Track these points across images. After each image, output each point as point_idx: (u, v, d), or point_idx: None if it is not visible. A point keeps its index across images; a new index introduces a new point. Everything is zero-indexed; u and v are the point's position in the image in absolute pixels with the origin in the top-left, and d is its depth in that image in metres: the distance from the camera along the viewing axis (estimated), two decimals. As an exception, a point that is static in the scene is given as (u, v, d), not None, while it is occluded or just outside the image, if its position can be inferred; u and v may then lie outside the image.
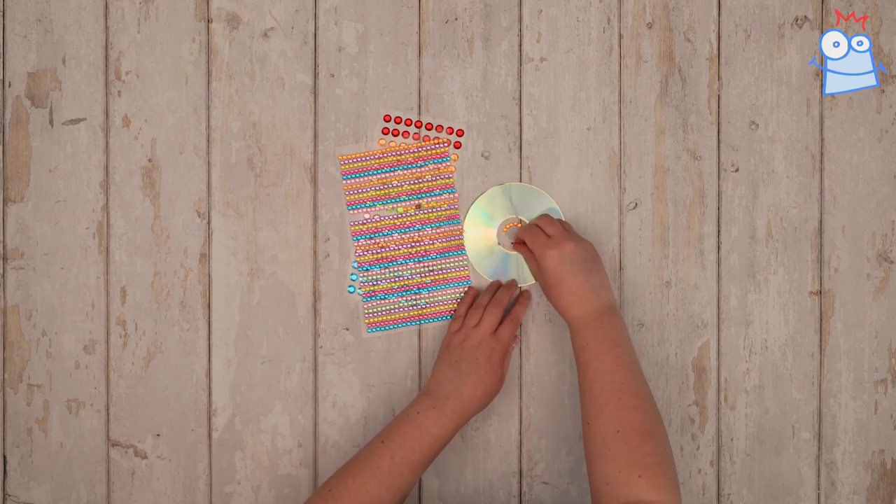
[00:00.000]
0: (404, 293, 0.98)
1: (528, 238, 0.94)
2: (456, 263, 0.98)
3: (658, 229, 0.99)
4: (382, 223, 0.98)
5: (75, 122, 0.97)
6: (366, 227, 0.98)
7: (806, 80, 1.00)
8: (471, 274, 0.98)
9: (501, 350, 0.92)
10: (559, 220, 0.96)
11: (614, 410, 0.84)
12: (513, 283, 0.97)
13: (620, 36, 0.99)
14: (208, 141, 0.98)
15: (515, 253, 0.98)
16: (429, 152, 0.98)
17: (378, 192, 0.98)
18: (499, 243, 0.98)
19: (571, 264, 0.90)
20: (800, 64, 1.00)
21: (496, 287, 0.97)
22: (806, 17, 1.00)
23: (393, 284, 0.98)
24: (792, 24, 1.00)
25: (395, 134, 0.98)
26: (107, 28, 0.98)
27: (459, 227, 0.99)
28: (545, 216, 0.96)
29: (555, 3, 0.99)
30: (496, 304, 0.94)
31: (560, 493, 0.98)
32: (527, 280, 0.98)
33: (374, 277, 0.98)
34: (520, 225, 0.98)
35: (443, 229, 0.98)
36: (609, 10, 0.99)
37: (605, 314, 0.89)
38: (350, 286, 0.98)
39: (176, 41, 0.98)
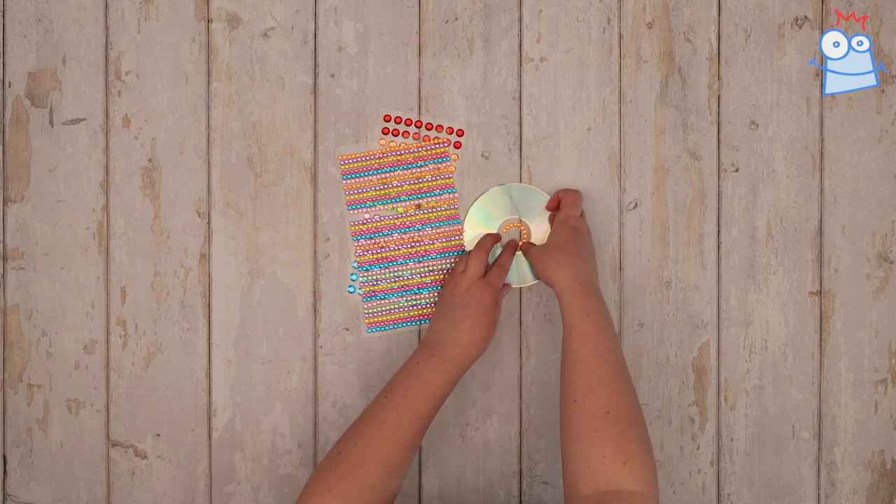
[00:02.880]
0: (404, 293, 0.98)
1: (572, 201, 0.95)
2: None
3: (658, 229, 0.99)
4: (382, 223, 0.98)
5: (75, 122, 0.97)
6: (366, 227, 0.98)
7: (806, 80, 1.00)
8: (471, 274, 0.98)
9: (491, 294, 0.91)
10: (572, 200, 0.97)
11: (608, 390, 0.82)
12: (496, 235, 0.97)
13: (620, 36, 0.99)
14: (208, 141, 0.98)
15: (517, 252, 0.98)
16: (429, 152, 0.98)
17: (378, 192, 0.98)
18: (499, 245, 0.98)
19: (586, 237, 0.93)
20: (800, 64, 1.00)
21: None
22: (806, 17, 1.00)
23: (393, 284, 0.98)
24: (792, 24, 1.00)
25: (395, 134, 0.98)
26: (107, 28, 0.98)
27: (459, 227, 0.99)
28: (579, 195, 0.97)
29: (555, 3, 0.99)
30: (479, 249, 0.94)
31: (560, 493, 0.98)
32: (526, 280, 0.98)
33: (374, 277, 0.98)
34: (520, 225, 0.98)
35: (443, 229, 0.98)
36: (609, 10, 0.99)
37: (599, 293, 0.89)
38: (350, 286, 0.98)
39: (176, 41, 0.98)
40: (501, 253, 0.96)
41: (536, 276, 0.96)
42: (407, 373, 0.88)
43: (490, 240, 0.96)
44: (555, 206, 0.97)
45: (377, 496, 0.83)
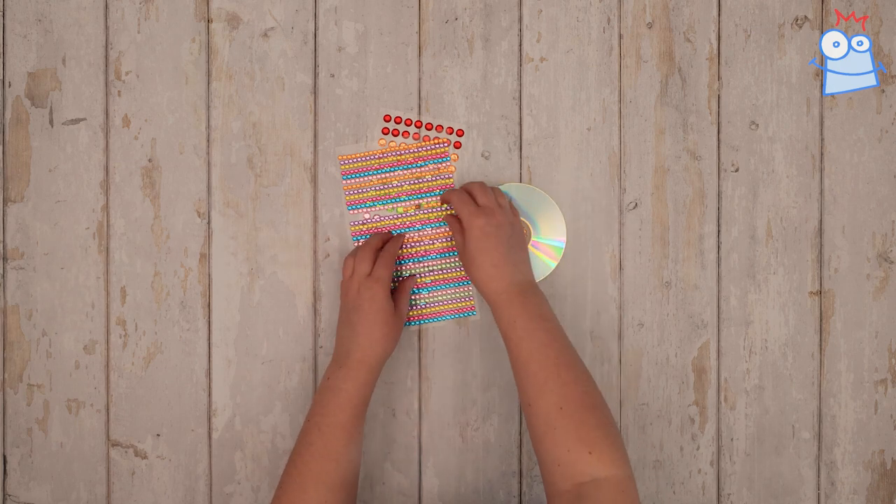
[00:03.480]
0: (404, 293, 0.98)
1: (456, 203, 0.92)
2: (456, 264, 0.98)
3: (658, 229, 0.99)
4: (382, 223, 0.98)
5: (75, 122, 0.97)
6: (366, 227, 0.98)
7: (806, 80, 1.00)
8: (471, 274, 0.98)
9: (382, 288, 0.90)
10: (494, 189, 0.94)
11: (554, 387, 0.82)
12: (386, 233, 0.97)
13: (620, 36, 0.99)
14: (208, 141, 0.98)
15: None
16: (429, 152, 0.98)
17: (378, 192, 0.98)
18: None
19: (496, 237, 0.89)
20: (800, 64, 1.00)
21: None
22: (806, 17, 1.00)
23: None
24: (792, 24, 1.00)
25: (395, 134, 0.98)
26: (107, 28, 0.98)
27: (459, 227, 0.99)
28: (480, 184, 0.94)
29: (555, 3, 0.99)
30: (363, 248, 0.93)
31: (560, 493, 0.98)
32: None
33: (374, 277, 0.98)
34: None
35: (443, 229, 0.98)
36: (609, 10, 0.99)
37: (527, 290, 0.88)
38: (350, 286, 0.98)
39: (176, 41, 0.98)
40: (387, 244, 0.95)
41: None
42: (321, 391, 0.89)
43: (377, 238, 0.95)
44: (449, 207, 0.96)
45: None
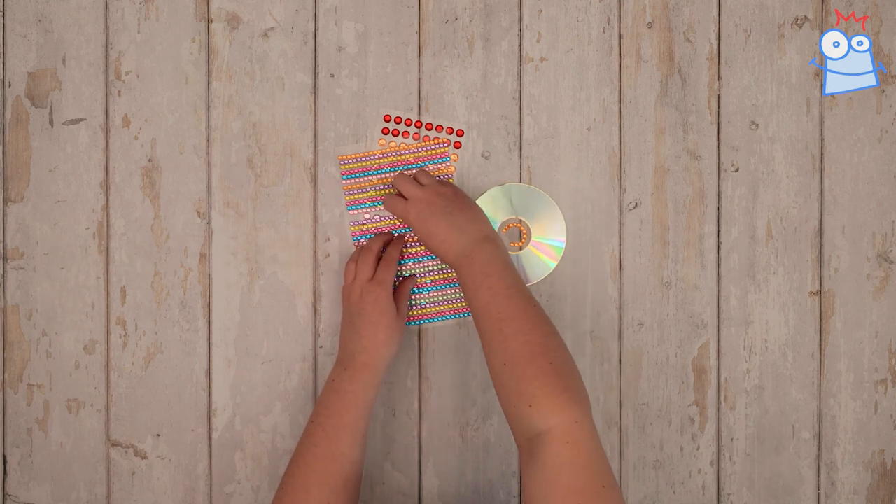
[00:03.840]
0: (404, 293, 0.98)
1: (399, 182, 0.93)
2: (456, 263, 0.98)
3: (658, 229, 0.99)
4: (382, 223, 0.98)
5: (75, 122, 0.97)
6: (366, 227, 0.98)
7: (806, 80, 1.00)
8: (471, 274, 0.98)
9: (384, 291, 0.91)
10: (424, 173, 0.95)
11: (497, 344, 0.80)
12: (387, 234, 0.97)
13: (620, 36, 0.99)
14: (208, 141, 0.98)
15: (517, 253, 0.98)
16: (429, 152, 0.98)
17: (378, 192, 0.98)
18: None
19: (431, 215, 0.89)
20: (800, 64, 1.00)
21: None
22: (806, 17, 1.00)
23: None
24: (792, 24, 1.00)
25: (395, 134, 0.98)
26: (107, 28, 0.98)
27: (459, 227, 0.98)
28: (421, 170, 0.95)
29: (555, 3, 0.99)
30: (364, 251, 0.94)
31: (560, 493, 0.98)
32: (533, 278, 0.98)
33: (374, 277, 0.98)
34: (520, 226, 0.98)
35: (443, 229, 0.98)
36: (609, 10, 0.99)
37: (474, 248, 0.87)
38: (350, 286, 0.98)
39: (176, 41, 0.98)
40: (388, 247, 0.96)
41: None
42: (326, 393, 0.89)
43: (378, 241, 0.95)
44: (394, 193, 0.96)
45: None
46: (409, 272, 0.98)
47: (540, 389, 0.76)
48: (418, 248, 0.98)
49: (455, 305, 0.98)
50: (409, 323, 0.98)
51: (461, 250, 0.87)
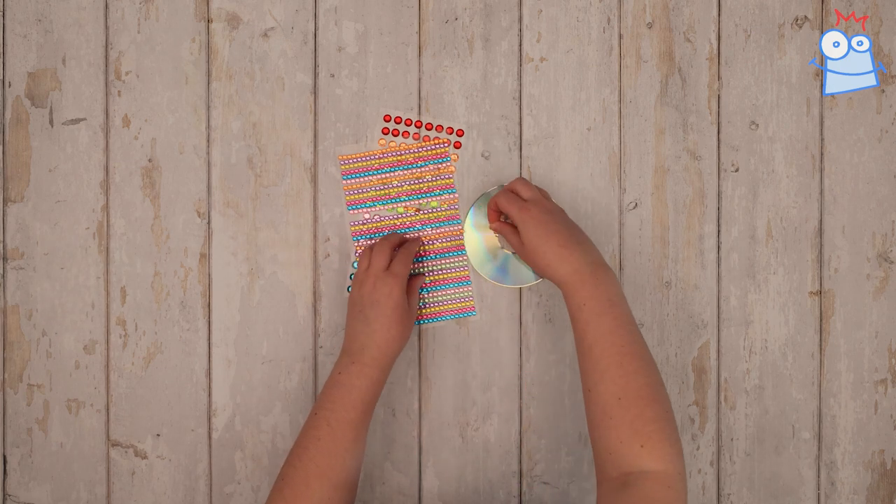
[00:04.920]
0: (404, 293, 0.98)
1: (504, 202, 0.91)
2: (456, 264, 0.98)
3: (658, 229, 0.99)
4: (382, 223, 0.98)
5: (75, 122, 0.97)
6: (366, 227, 0.98)
7: (806, 80, 1.00)
8: (471, 274, 0.98)
9: (399, 285, 0.89)
10: (535, 186, 0.95)
11: (615, 376, 0.81)
12: (402, 235, 0.97)
13: (620, 36, 0.99)
14: (208, 141, 0.98)
15: (508, 252, 0.98)
16: (429, 152, 0.98)
17: (378, 192, 0.98)
18: (500, 246, 0.98)
19: (553, 222, 0.88)
20: (800, 64, 1.00)
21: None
22: (806, 17, 1.00)
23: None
24: (792, 24, 1.00)
25: (396, 134, 0.98)
26: (107, 28, 0.98)
27: (459, 227, 0.99)
28: (520, 179, 0.94)
29: (555, 3, 0.99)
30: (382, 242, 0.93)
31: (560, 493, 0.98)
32: (527, 280, 0.98)
33: (374, 277, 0.98)
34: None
35: (442, 229, 0.98)
36: (609, 10, 0.99)
37: (598, 269, 0.86)
38: (350, 286, 0.98)
39: (176, 41, 0.98)
40: (405, 243, 0.95)
41: (538, 276, 0.96)
42: (332, 385, 0.88)
43: (396, 236, 0.95)
44: (496, 216, 0.95)
45: None
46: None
47: (657, 434, 0.79)
48: (422, 248, 0.98)
49: (455, 305, 0.98)
50: (409, 323, 0.98)
51: (584, 265, 0.86)
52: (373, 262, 0.91)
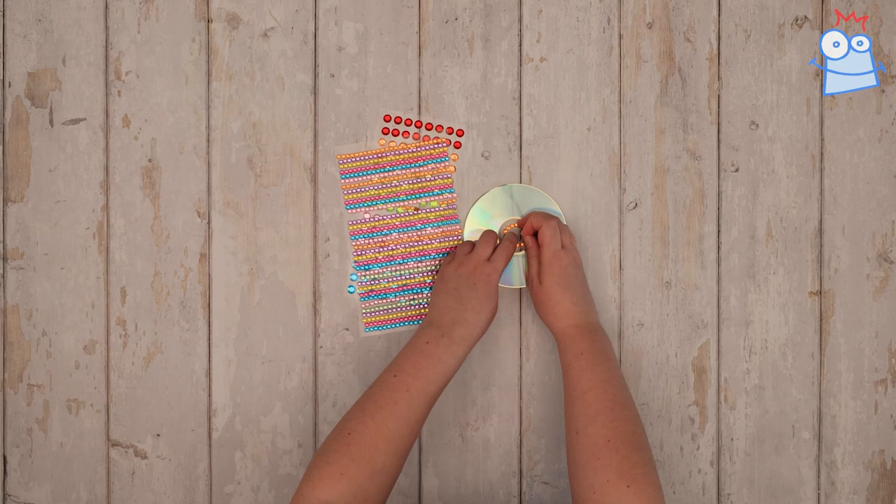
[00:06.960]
0: (403, 293, 0.98)
1: (547, 235, 0.93)
2: (456, 263, 0.98)
3: (658, 229, 0.99)
4: (382, 223, 0.98)
5: (75, 122, 0.97)
6: (365, 226, 0.98)
7: (806, 80, 1.00)
8: (471, 274, 0.98)
9: (496, 275, 0.92)
10: (568, 229, 0.97)
11: (606, 420, 0.84)
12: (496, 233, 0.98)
13: (620, 36, 0.99)
14: (208, 141, 0.98)
15: (519, 254, 0.98)
16: (429, 152, 0.98)
17: (378, 192, 0.98)
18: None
19: (575, 276, 0.92)
20: (800, 64, 1.00)
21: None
22: (806, 17, 1.00)
23: (391, 284, 0.98)
24: (792, 24, 1.00)
25: (395, 134, 0.98)
26: (107, 28, 0.98)
27: (458, 227, 0.99)
28: (566, 226, 0.96)
29: (555, 3, 0.99)
30: (488, 234, 0.95)
31: (560, 493, 0.98)
32: (523, 282, 0.98)
33: (373, 277, 0.98)
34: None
35: (442, 229, 0.98)
36: (609, 10, 0.99)
37: (598, 329, 0.91)
38: (350, 286, 0.98)
39: (176, 41, 0.98)
40: (503, 240, 0.96)
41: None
42: (417, 353, 0.87)
43: (493, 234, 0.96)
44: (529, 231, 0.96)
45: (386, 479, 0.83)
46: (409, 271, 0.98)
47: (643, 477, 0.81)
48: (417, 248, 0.98)
49: (455, 305, 0.98)
50: (408, 323, 0.98)
51: (586, 323, 0.91)
52: (478, 248, 0.93)
